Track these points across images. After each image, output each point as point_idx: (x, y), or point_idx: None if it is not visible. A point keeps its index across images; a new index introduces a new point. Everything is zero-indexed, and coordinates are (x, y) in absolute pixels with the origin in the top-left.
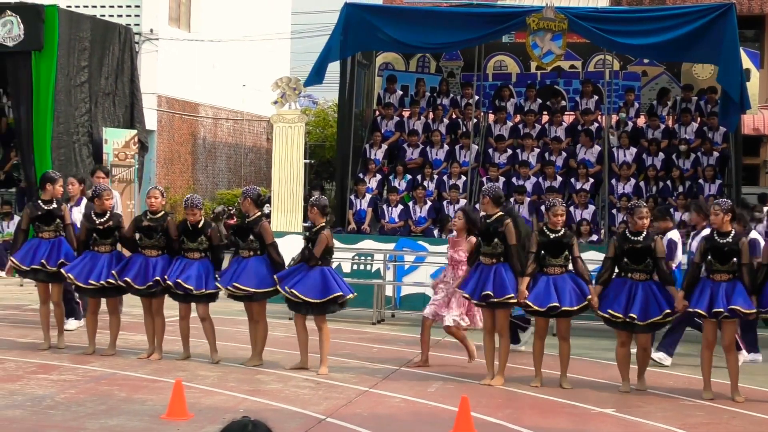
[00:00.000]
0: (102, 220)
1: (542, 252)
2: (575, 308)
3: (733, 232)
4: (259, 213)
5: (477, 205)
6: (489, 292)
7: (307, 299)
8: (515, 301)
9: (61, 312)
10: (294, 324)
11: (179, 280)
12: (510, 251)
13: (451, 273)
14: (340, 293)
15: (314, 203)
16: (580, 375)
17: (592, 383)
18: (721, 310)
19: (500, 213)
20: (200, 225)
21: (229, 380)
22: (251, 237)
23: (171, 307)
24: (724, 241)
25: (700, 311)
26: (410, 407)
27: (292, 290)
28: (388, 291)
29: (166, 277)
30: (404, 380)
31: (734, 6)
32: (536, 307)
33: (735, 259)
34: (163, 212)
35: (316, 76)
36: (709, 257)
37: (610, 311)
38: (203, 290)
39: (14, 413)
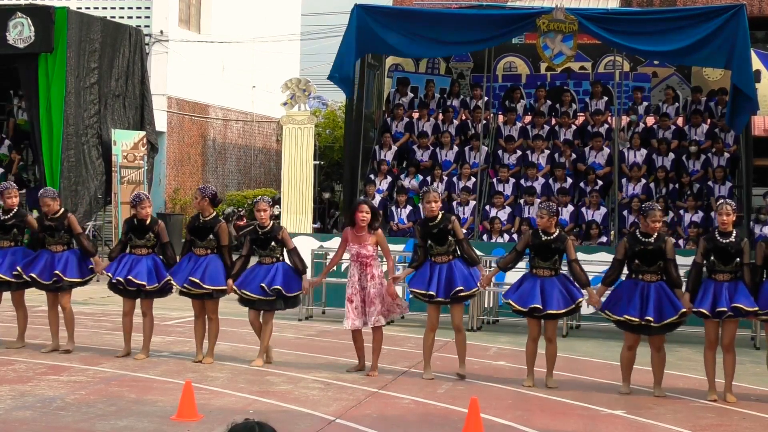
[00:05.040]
0: (6, 217)
1: (532, 254)
2: (561, 311)
3: (734, 232)
4: (215, 212)
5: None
6: (461, 287)
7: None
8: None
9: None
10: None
11: (130, 277)
12: (462, 245)
13: (359, 270)
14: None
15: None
16: (589, 377)
17: (602, 385)
18: (725, 309)
19: (442, 212)
20: (148, 222)
21: (238, 381)
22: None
23: (181, 309)
24: (727, 241)
25: (703, 311)
26: (420, 408)
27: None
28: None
29: (110, 274)
30: (414, 381)
31: (745, 7)
32: (519, 307)
33: (738, 259)
34: (62, 211)
35: (345, 86)
36: (712, 257)
37: (626, 316)
38: (156, 285)
39: (24, 414)
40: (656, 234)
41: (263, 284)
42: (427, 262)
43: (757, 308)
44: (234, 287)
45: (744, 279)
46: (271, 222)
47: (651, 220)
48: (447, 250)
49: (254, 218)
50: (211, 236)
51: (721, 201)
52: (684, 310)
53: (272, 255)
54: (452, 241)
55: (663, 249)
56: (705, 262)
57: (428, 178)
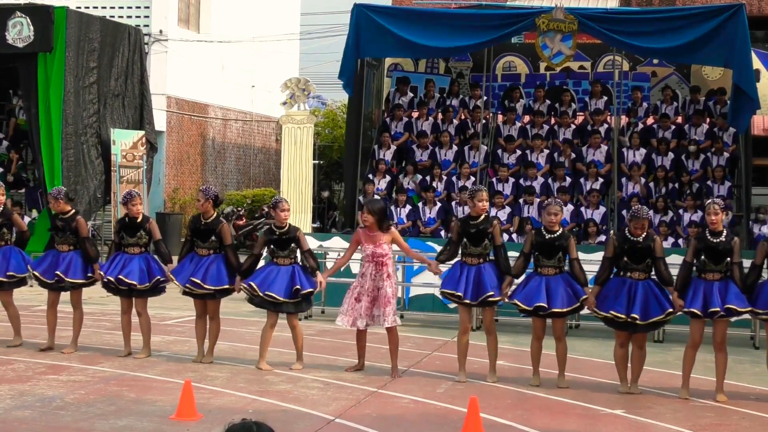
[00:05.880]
0: None
1: (536, 252)
2: (566, 309)
3: (725, 231)
4: (216, 213)
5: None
6: (491, 293)
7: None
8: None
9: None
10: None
11: (121, 276)
12: (500, 252)
13: (373, 270)
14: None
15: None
16: (589, 376)
17: (602, 384)
18: (717, 309)
19: (486, 214)
20: (139, 220)
21: (238, 381)
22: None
23: (181, 308)
24: (718, 240)
25: (695, 311)
26: (419, 408)
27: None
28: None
29: (102, 273)
30: (413, 381)
31: (744, 6)
32: (524, 306)
33: (728, 259)
34: (72, 212)
35: (349, 87)
36: (703, 257)
37: (612, 312)
38: (147, 285)
39: (24, 414)
40: (645, 233)
41: (295, 287)
42: (457, 263)
43: (749, 308)
44: (247, 285)
45: (734, 278)
46: (287, 223)
47: (634, 225)
48: (481, 252)
49: (253, 218)
50: (213, 237)
51: (709, 201)
52: (670, 309)
53: (291, 256)
54: (488, 245)
55: (652, 247)
56: (695, 261)
57: (427, 178)
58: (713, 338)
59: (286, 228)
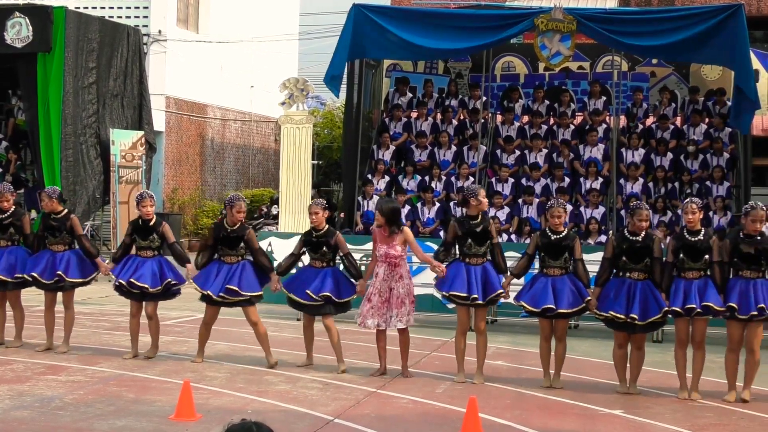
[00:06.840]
0: (2, 216)
1: (542, 253)
2: (572, 310)
3: (702, 230)
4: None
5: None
6: (500, 291)
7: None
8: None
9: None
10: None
11: (133, 279)
12: (496, 250)
13: (386, 270)
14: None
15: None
16: (587, 376)
17: (600, 384)
18: (694, 306)
19: (484, 212)
20: (152, 222)
21: (237, 381)
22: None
23: (180, 308)
24: (696, 239)
25: (676, 309)
26: (418, 408)
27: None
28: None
29: (113, 275)
30: (412, 381)
31: (743, 6)
32: (531, 308)
33: (707, 257)
34: (65, 212)
35: (333, 87)
36: (681, 255)
37: (611, 312)
38: (159, 288)
39: (23, 414)
40: (644, 233)
41: (309, 290)
42: (461, 264)
43: (724, 308)
44: (283, 288)
45: (713, 276)
46: (327, 226)
47: (638, 219)
48: (484, 252)
49: (252, 218)
50: (242, 244)
51: (687, 200)
52: (666, 308)
53: (323, 259)
54: (489, 243)
55: (651, 247)
56: (675, 260)
57: (426, 178)
58: (692, 336)
59: (323, 231)
